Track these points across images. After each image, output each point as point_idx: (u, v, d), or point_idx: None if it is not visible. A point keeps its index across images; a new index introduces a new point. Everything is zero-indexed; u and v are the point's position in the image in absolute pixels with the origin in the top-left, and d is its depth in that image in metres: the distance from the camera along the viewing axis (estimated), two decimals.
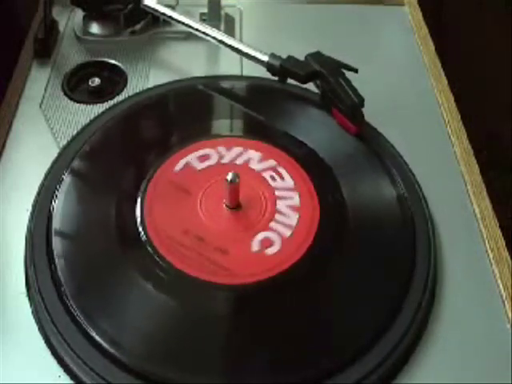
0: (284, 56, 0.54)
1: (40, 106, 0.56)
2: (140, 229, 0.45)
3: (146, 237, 0.45)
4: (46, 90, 0.58)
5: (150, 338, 0.40)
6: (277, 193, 0.48)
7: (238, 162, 0.50)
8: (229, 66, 0.60)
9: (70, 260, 0.44)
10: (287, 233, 0.45)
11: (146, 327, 0.41)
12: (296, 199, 0.47)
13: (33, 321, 0.42)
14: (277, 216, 0.46)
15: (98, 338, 0.39)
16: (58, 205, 0.47)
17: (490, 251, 0.47)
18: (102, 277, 0.43)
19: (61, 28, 0.64)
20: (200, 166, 0.50)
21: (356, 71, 0.54)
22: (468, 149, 0.54)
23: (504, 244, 0.48)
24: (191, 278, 0.42)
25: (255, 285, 0.42)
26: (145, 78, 0.59)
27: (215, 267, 0.43)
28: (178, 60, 0.62)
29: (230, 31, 0.64)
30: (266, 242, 0.45)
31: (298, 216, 0.46)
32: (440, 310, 0.44)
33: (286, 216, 0.46)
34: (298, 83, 0.54)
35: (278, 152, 0.51)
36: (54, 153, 0.51)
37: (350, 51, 0.56)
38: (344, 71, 0.53)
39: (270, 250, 0.44)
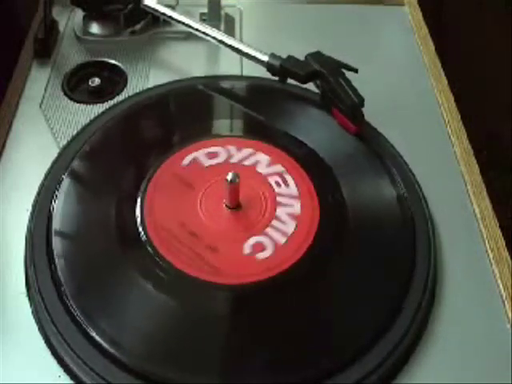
0: (284, 56, 0.54)
1: (40, 106, 0.56)
2: (140, 229, 0.45)
3: (146, 237, 0.45)
4: (46, 90, 0.58)
5: (150, 338, 0.40)
6: (279, 199, 0.47)
7: (247, 163, 0.50)
8: (229, 65, 0.60)
9: (70, 260, 0.44)
10: (281, 240, 0.45)
11: (145, 327, 0.41)
12: (297, 208, 0.47)
13: (33, 321, 0.42)
14: (274, 222, 0.46)
15: (97, 337, 0.39)
16: (57, 205, 0.47)
17: (490, 251, 0.47)
18: (102, 277, 0.43)
19: (61, 28, 0.64)
20: (208, 162, 0.50)
21: (356, 71, 0.54)
22: (468, 149, 0.54)
23: (504, 244, 0.48)
24: (191, 278, 0.42)
25: (255, 285, 0.42)
26: (145, 78, 0.59)
27: (202, 263, 0.43)
28: (177, 60, 0.62)
29: (230, 31, 0.64)
30: (258, 247, 0.44)
31: (295, 224, 0.46)
32: (440, 310, 0.44)
33: (284, 223, 0.46)
34: (298, 83, 0.54)
35: (287, 158, 0.50)
36: (54, 153, 0.51)
37: (350, 51, 0.56)
38: (344, 71, 0.53)
39: (261, 255, 0.44)
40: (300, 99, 0.56)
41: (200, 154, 0.50)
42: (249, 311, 0.42)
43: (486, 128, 0.93)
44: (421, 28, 0.66)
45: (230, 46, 0.57)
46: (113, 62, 0.60)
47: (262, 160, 0.50)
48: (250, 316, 0.42)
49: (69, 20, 0.65)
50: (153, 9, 0.62)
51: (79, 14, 0.64)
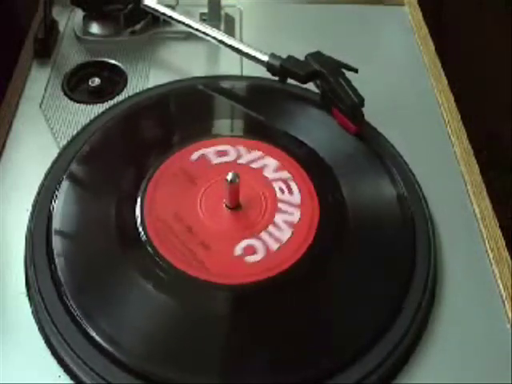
0: (284, 56, 0.54)
1: (40, 106, 0.56)
2: (140, 229, 0.45)
3: (146, 237, 0.45)
4: (46, 90, 0.58)
5: (150, 337, 0.40)
6: (280, 205, 0.47)
7: (254, 165, 0.50)
8: (229, 66, 0.60)
9: (70, 260, 0.44)
10: (274, 246, 0.45)
11: (145, 327, 0.41)
12: (296, 216, 0.46)
13: (33, 321, 0.42)
14: (270, 227, 0.46)
15: (97, 337, 0.39)
16: (57, 205, 0.47)
17: (490, 251, 0.47)
18: (101, 277, 0.43)
19: (61, 28, 0.64)
20: (216, 160, 0.50)
21: (356, 71, 0.54)
22: (468, 149, 0.54)
23: (504, 244, 0.48)
24: (191, 278, 0.42)
25: (255, 285, 0.42)
26: (145, 78, 0.59)
27: (191, 258, 0.43)
28: (177, 60, 0.62)
29: (230, 31, 0.64)
30: (250, 250, 0.44)
31: (291, 232, 0.45)
32: (440, 310, 0.44)
33: (280, 230, 0.46)
34: (298, 83, 0.54)
35: (295, 164, 0.50)
36: (54, 153, 0.51)
37: (350, 51, 0.56)
38: (344, 71, 0.53)
39: (251, 258, 0.44)
40: (300, 99, 0.56)
41: (210, 151, 0.50)
42: (249, 311, 0.42)
43: (486, 128, 0.93)
44: (421, 28, 0.66)
45: (230, 46, 0.57)
46: (113, 61, 0.60)
47: (270, 164, 0.50)
48: (250, 316, 0.42)
49: (69, 20, 0.65)
50: (153, 9, 0.62)
51: (79, 14, 0.64)
